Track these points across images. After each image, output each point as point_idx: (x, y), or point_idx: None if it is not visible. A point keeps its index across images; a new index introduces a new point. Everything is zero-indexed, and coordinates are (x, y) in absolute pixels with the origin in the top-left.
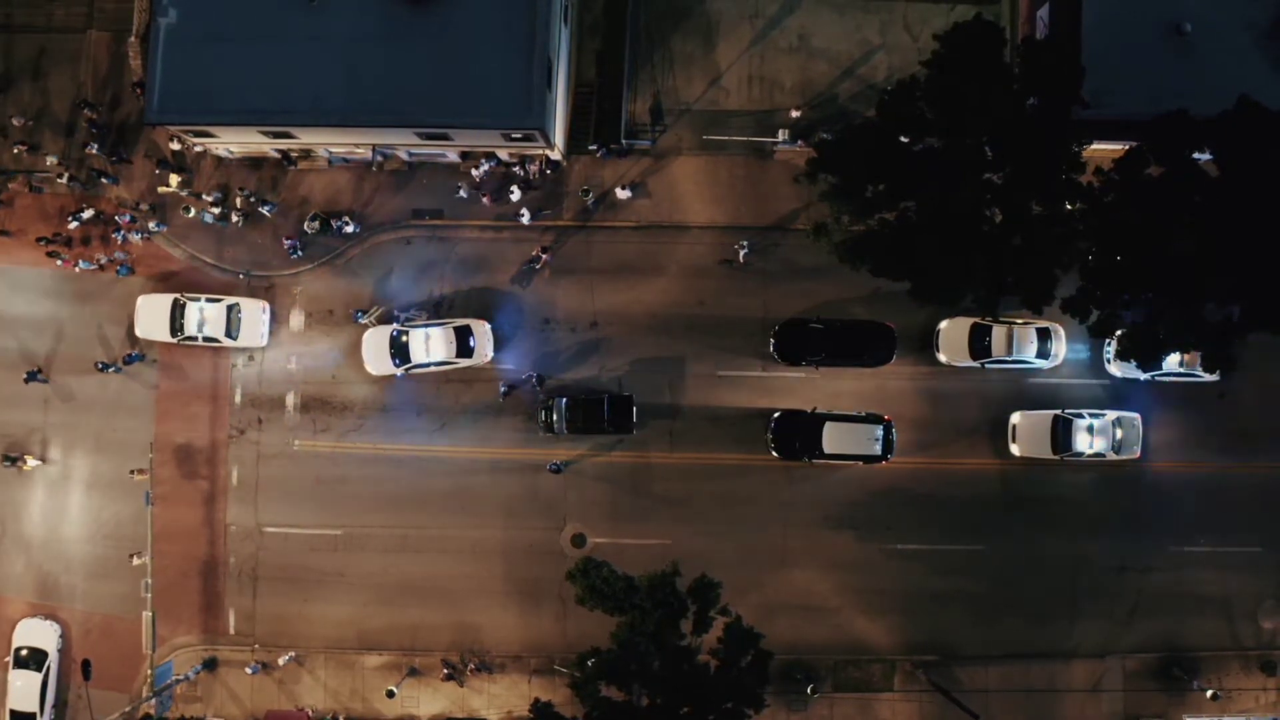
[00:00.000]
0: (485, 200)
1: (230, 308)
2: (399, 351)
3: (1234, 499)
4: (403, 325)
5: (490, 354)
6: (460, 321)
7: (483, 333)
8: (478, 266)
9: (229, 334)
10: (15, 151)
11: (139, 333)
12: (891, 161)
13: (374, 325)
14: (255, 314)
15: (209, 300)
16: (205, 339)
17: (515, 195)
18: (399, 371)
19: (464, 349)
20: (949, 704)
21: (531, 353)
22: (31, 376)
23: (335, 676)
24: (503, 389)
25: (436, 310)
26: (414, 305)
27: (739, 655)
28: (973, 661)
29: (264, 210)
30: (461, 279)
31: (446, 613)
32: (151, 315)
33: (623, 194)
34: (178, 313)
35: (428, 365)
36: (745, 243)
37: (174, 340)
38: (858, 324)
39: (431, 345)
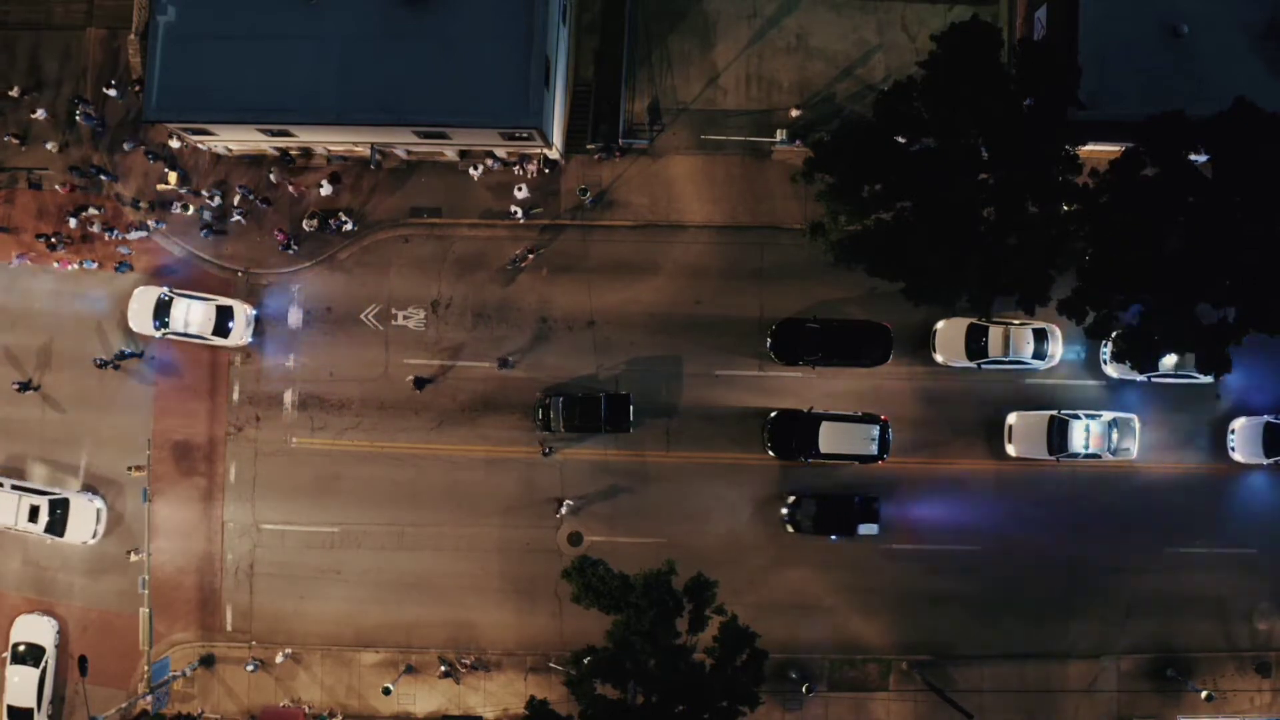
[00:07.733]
0: (291, 189)
1: None
2: (161, 313)
3: (1230, 500)
4: (171, 291)
5: (248, 339)
6: (224, 301)
7: (243, 316)
8: (475, 264)
9: None
10: (13, 148)
11: None
12: (888, 161)
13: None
14: None
15: None
16: None
17: (326, 189)
18: (157, 333)
19: (221, 329)
20: (944, 704)
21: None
22: (24, 387)
23: (332, 674)
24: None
25: (434, 308)
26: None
27: (734, 654)
28: (968, 661)
29: (262, 207)
30: (458, 276)
31: (443, 610)
32: None
33: (519, 194)
34: None
35: (184, 335)
36: None
37: None
38: (854, 324)
39: (191, 316)
